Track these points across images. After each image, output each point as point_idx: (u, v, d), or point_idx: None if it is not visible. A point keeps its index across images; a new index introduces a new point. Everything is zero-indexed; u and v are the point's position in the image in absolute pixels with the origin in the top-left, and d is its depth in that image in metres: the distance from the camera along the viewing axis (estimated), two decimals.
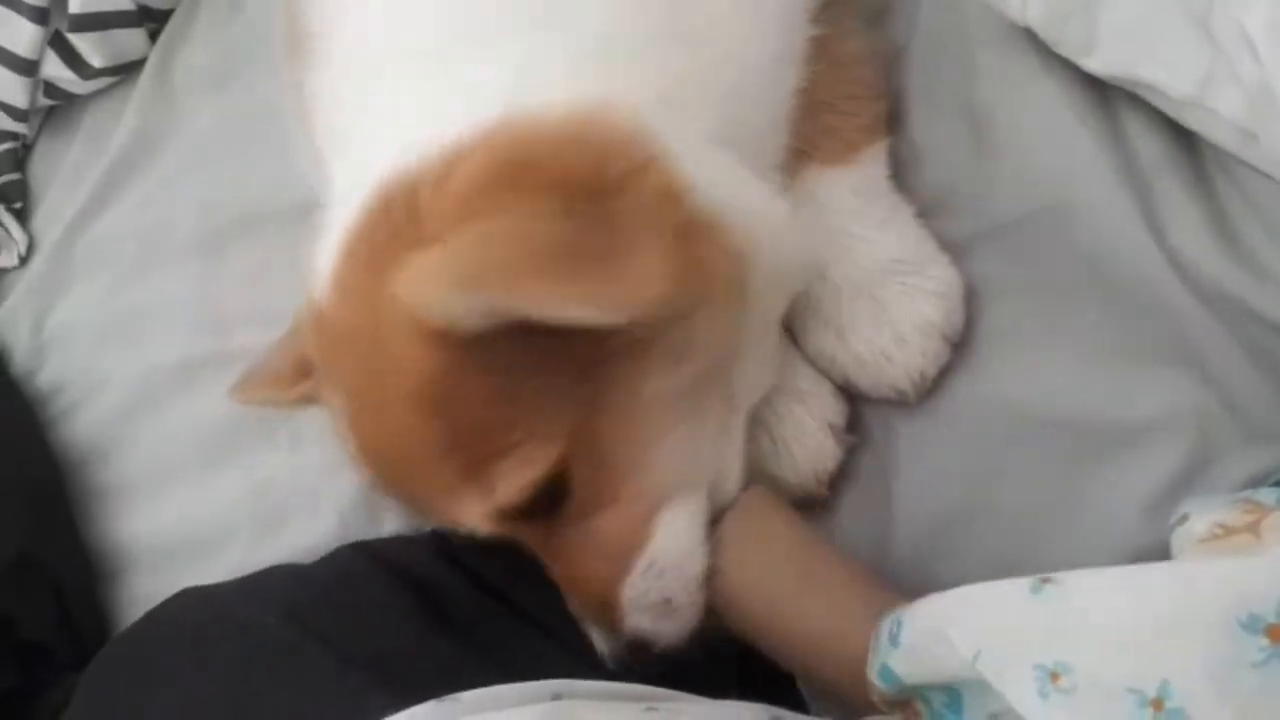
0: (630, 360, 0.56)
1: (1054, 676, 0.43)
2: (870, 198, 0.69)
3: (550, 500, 0.59)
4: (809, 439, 0.68)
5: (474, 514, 0.59)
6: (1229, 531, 0.50)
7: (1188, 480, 0.61)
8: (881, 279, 0.68)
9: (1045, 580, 0.46)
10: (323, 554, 0.80)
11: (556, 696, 0.57)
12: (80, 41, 1.01)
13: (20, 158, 1.09)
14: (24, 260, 1.05)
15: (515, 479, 0.57)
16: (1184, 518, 0.53)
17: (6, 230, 1.05)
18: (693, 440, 0.61)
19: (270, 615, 0.74)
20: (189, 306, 0.95)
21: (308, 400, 0.68)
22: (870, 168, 0.70)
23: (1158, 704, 0.40)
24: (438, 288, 0.52)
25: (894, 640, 0.52)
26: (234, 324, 0.92)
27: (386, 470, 0.63)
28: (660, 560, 0.61)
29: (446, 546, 0.76)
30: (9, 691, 0.85)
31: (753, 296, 0.59)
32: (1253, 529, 0.49)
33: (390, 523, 0.82)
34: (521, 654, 0.68)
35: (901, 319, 0.66)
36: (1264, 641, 0.38)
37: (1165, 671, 0.40)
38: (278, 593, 0.77)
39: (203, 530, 0.90)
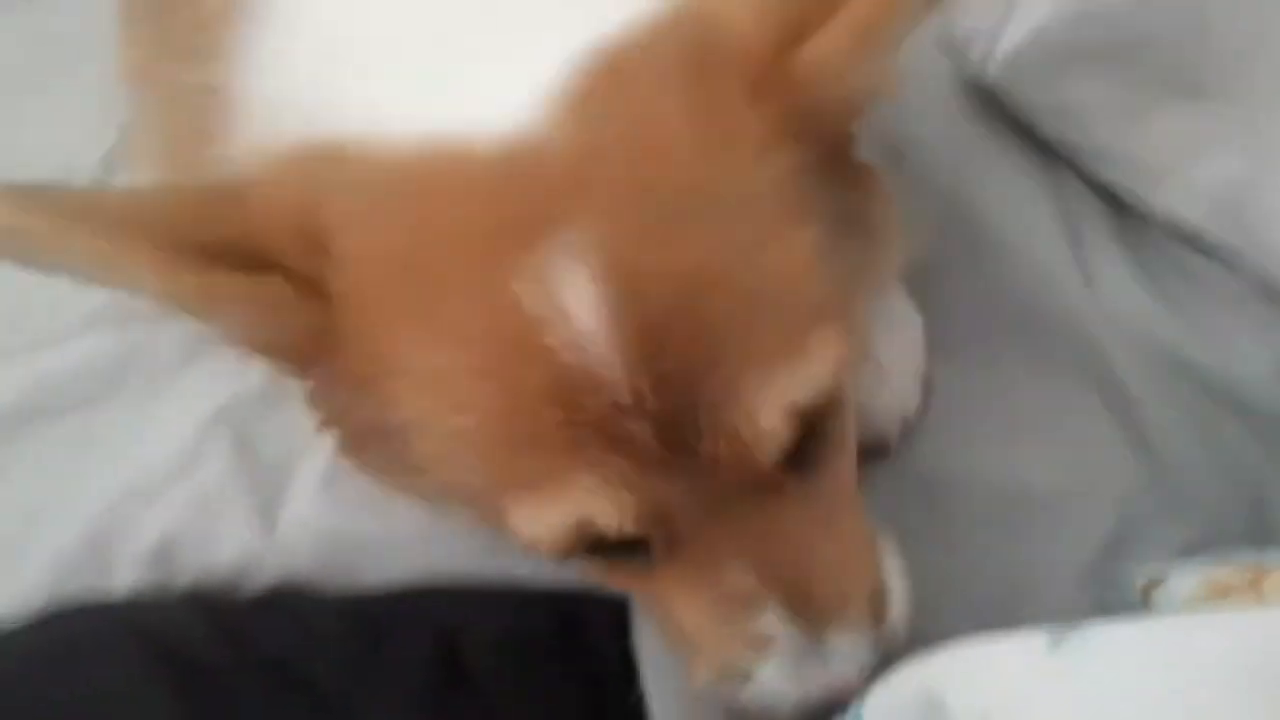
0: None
1: None
2: None
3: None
4: (899, 381, 0.60)
5: (774, 410, 0.42)
6: (1227, 590, 0.44)
7: (1117, 549, 0.56)
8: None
9: (1065, 634, 0.38)
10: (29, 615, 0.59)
11: None
12: None
13: None
14: None
15: (830, 351, 0.43)
16: (1156, 582, 0.48)
17: None
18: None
19: None
20: None
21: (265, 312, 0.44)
22: None
23: None
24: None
25: (877, 707, 0.42)
26: None
27: (653, 355, 0.41)
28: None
29: (212, 608, 0.58)
30: None
31: None
32: (1254, 587, 0.43)
33: (125, 576, 0.62)
34: None
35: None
36: None
37: None
38: None
39: None
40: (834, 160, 0.46)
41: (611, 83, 0.41)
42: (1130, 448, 0.59)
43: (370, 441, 0.49)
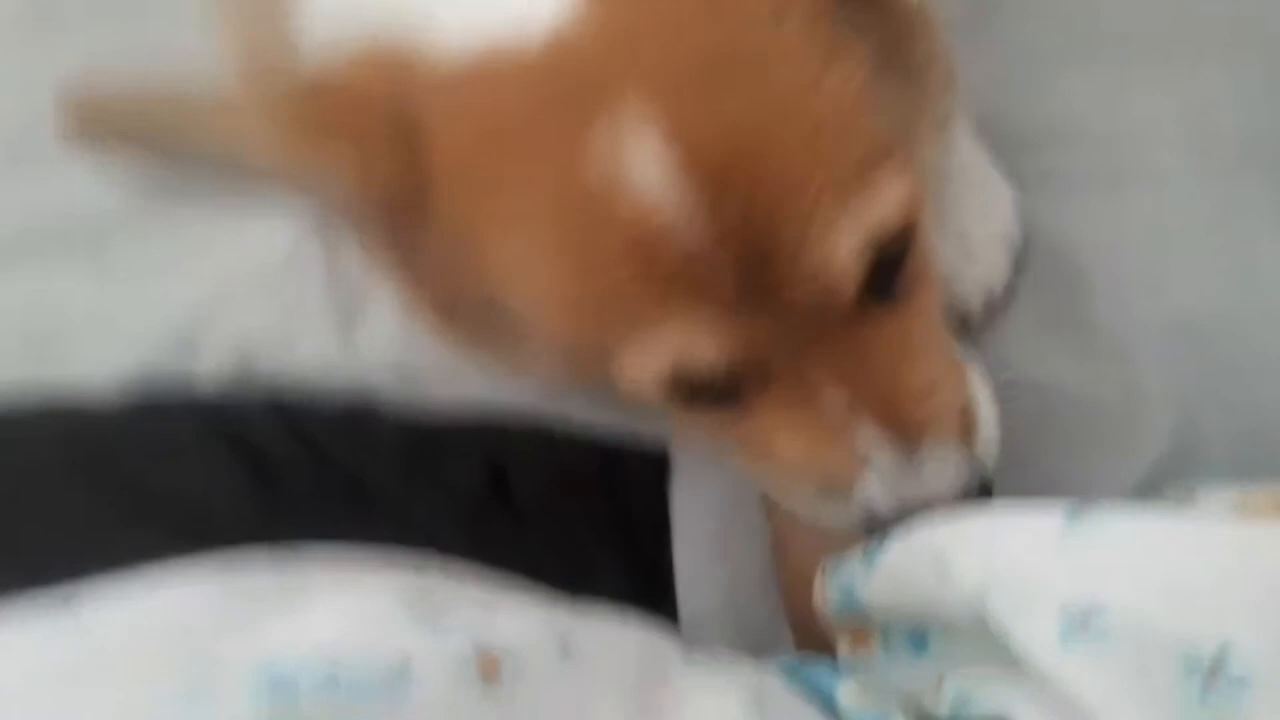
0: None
1: (1084, 620, 0.35)
2: None
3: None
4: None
5: (847, 244, 0.43)
6: (1257, 510, 0.44)
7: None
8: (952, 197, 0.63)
9: (1078, 515, 0.38)
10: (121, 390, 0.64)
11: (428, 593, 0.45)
12: None
13: None
14: None
15: (895, 184, 0.44)
16: (1185, 498, 0.47)
17: None
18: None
19: (44, 443, 0.58)
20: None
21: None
22: None
23: (1212, 672, 0.32)
24: None
25: (869, 559, 0.43)
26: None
27: (722, 203, 0.43)
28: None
29: (290, 414, 0.62)
30: None
31: None
32: None
33: (208, 364, 0.67)
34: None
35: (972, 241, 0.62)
36: None
37: (1227, 632, 0.32)
38: (57, 421, 0.60)
39: None
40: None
41: None
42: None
43: (460, 313, 0.52)
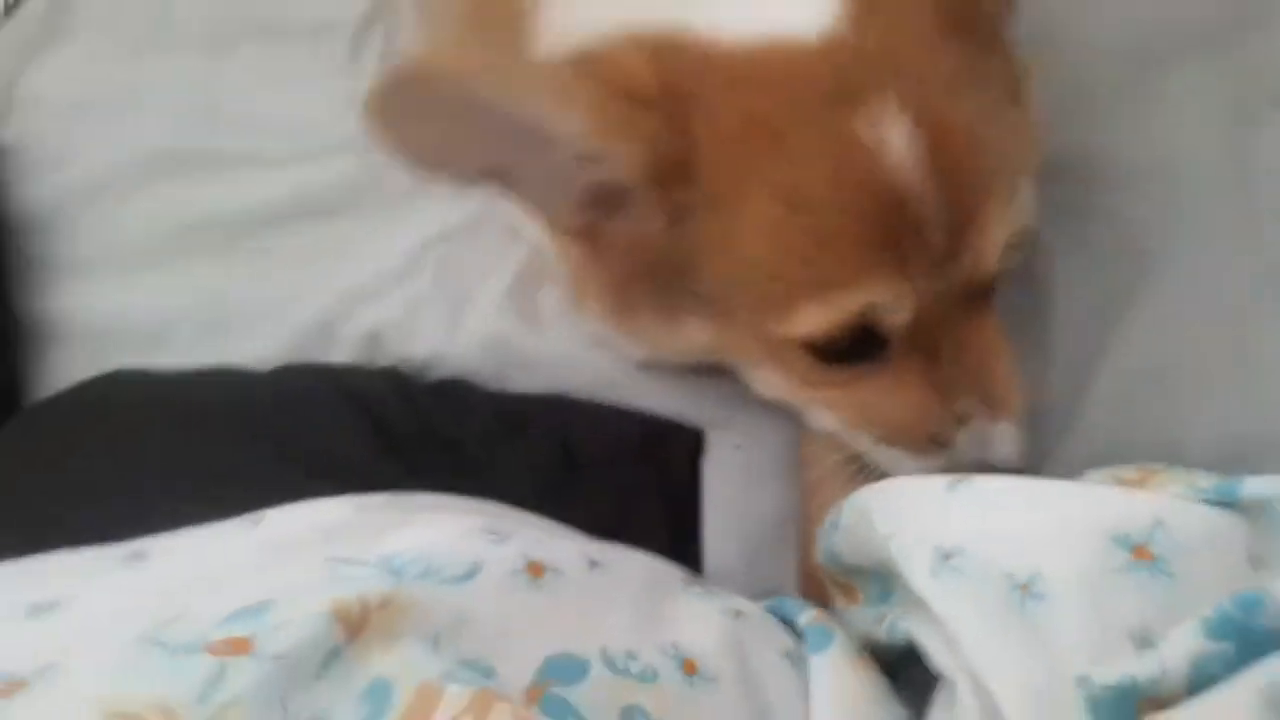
0: None
1: (947, 557, 0.48)
2: None
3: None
4: None
5: (1003, 233, 0.59)
6: (1120, 480, 0.55)
7: None
8: None
9: (961, 479, 0.52)
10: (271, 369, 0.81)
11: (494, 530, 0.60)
12: None
13: None
14: (9, 10, 1.01)
15: (1030, 197, 0.61)
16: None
17: None
18: None
19: (211, 402, 0.75)
20: (179, 96, 0.93)
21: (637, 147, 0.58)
22: None
23: (1025, 588, 0.45)
24: None
25: (834, 523, 0.57)
26: (223, 124, 0.91)
27: (947, 184, 0.57)
28: None
29: (403, 384, 0.78)
30: None
31: None
32: (1141, 483, 0.54)
33: (341, 354, 0.83)
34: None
35: None
36: (1128, 556, 0.44)
37: (1039, 563, 0.45)
38: (220, 384, 0.77)
39: (141, 321, 0.89)
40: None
41: None
42: None
43: (654, 276, 0.63)
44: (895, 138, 0.56)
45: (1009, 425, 0.62)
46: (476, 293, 0.83)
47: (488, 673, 0.44)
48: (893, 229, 0.56)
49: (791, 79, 0.57)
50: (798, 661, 0.54)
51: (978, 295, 0.61)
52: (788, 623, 0.59)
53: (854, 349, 0.61)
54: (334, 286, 0.86)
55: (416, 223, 0.87)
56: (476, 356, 0.81)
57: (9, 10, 1.01)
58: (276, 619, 0.42)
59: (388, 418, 0.74)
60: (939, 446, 0.63)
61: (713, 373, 0.72)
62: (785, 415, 0.72)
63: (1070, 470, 0.59)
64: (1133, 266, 0.72)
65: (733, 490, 0.75)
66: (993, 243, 0.59)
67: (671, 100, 0.57)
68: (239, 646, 0.40)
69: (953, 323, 0.60)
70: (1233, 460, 0.63)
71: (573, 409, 0.77)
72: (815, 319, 0.59)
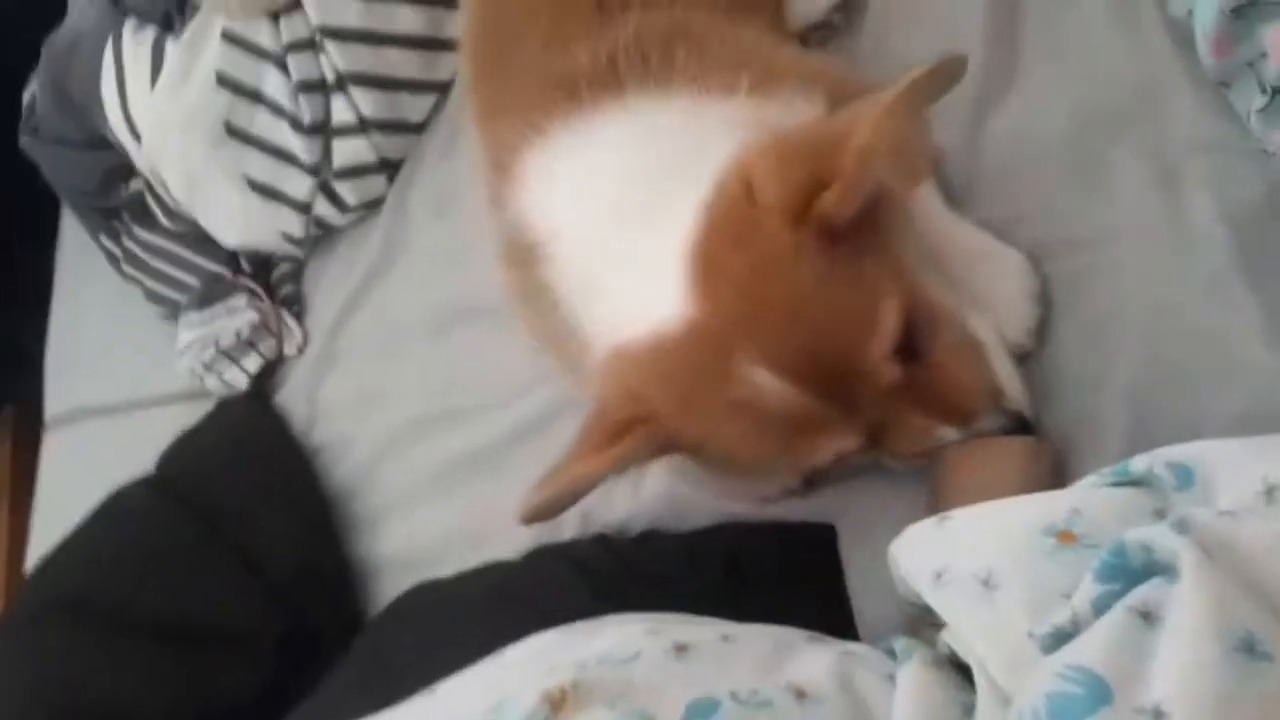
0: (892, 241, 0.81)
1: (938, 575, 0.66)
2: (925, 224, 0.90)
3: (910, 348, 0.79)
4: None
5: (877, 357, 0.77)
6: None
7: None
8: (964, 276, 0.87)
9: (944, 517, 0.70)
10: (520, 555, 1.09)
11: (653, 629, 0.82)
12: (340, 187, 1.35)
13: (298, 273, 1.46)
14: (301, 350, 1.41)
15: (892, 320, 0.77)
16: None
17: (290, 328, 1.41)
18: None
19: (477, 592, 1.04)
20: (419, 378, 1.27)
21: (630, 459, 0.85)
22: (918, 204, 0.90)
23: (984, 580, 0.63)
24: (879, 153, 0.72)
25: (891, 565, 0.76)
26: (454, 389, 1.23)
27: (823, 377, 0.77)
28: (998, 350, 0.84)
29: (609, 543, 1.04)
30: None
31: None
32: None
33: (568, 532, 1.10)
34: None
35: (996, 299, 0.87)
36: (1054, 541, 0.61)
37: (992, 560, 0.62)
38: (487, 576, 1.06)
39: (433, 545, 1.20)
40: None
41: (710, 263, 0.79)
42: None
43: (713, 463, 0.89)
44: (763, 378, 0.77)
45: (986, 418, 0.81)
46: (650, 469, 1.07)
47: (649, 718, 0.67)
48: (798, 415, 0.78)
49: (676, 367, 0.79)
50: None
51: (908, 372, 0.78)
52: (891, 653, 0.77)
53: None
54: None
55: None
56: (659, 509, 1.05)
57: (301, 351, 1.41)
58: (507, 710, 0.67)
59: (600, 572, 0.99)
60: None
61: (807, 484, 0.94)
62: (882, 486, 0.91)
63: None
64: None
65: (871, 559, 0.93)
66: (879, 373, 0.77)
67: (639, 415, 0.83)
68: None
69: (902, 394, 0.79)
70: None
71: (735, 530, 1.00)
72: (801, 466, 0.86)
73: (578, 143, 0.92)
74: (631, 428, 0.83)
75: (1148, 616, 0.54)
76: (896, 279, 0.79)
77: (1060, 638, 0.58)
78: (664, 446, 0.86)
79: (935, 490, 0.86)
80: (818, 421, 0.80)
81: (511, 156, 0.97)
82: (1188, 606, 0.52)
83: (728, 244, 0.77)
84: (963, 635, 0.63)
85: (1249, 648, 0.50)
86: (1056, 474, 0.82)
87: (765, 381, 0.77)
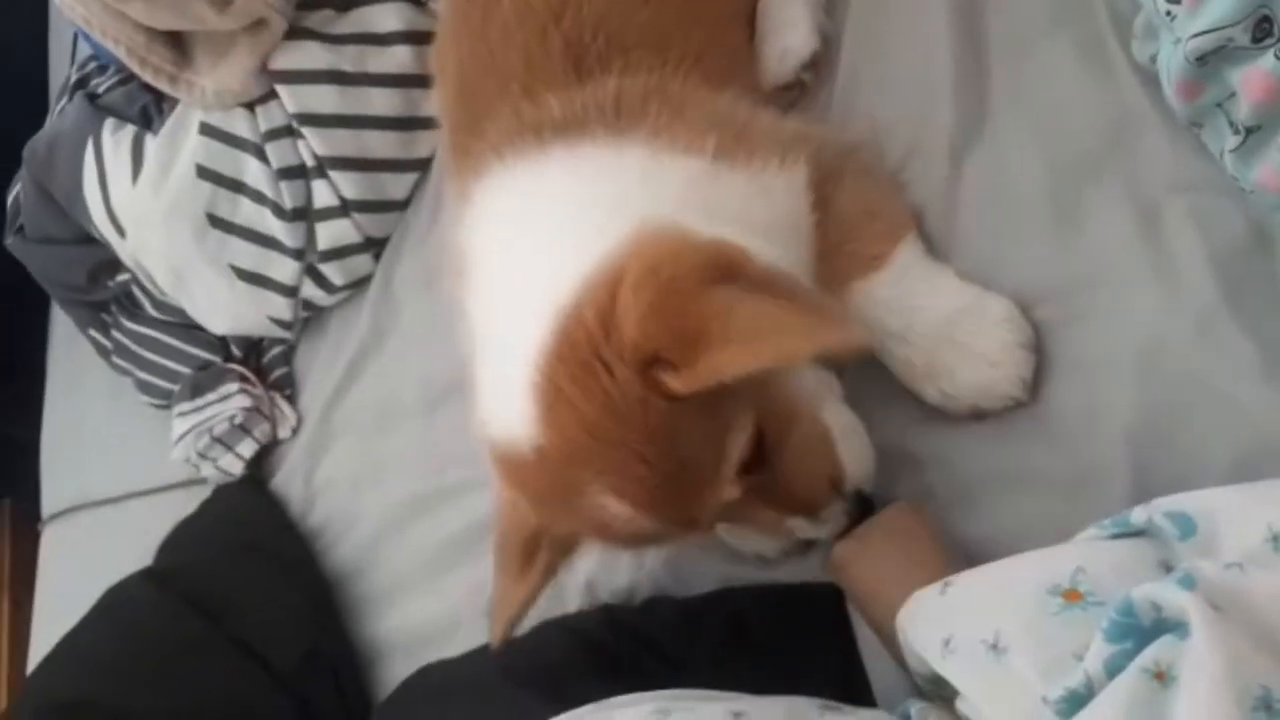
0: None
1: (946, 643, 0.66)
2: (910, 280, 0.89)
3: (758, 456, 0.81)
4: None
5: (726, 480, 0.80)
6: None
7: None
8: (951, 329, 0.87)
9: (947, 583, 0.69)
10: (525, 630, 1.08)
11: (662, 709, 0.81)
12: (326, 269, 1.36)
13: (289, 356, 1.46)
14: (295, 432, 1.41)
15: (739, 440, 0.79)
16: None
17: (283, 411, 1.41)
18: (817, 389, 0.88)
19: (484, 674, 1.02)
20: (414, 455, 1.27)
21: (552, 570, 0.91)
22: (901, 260, 0.89)
23: (992, 645, 0.62)
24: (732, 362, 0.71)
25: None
26: (451, 464, 1.23)
27: (669, 499, 0.79)
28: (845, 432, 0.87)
29: (613, 613, 1.03)
30: None
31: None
32: None
33: (573, 603, 1.09)
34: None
35: (985, 349, 0.86)
36: (1060, 600, 0.60)
37: (999, 624, 0.62)
38: (489, 658, 1.05)
39: (437, 623, 1.19)
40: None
41: (558, 395, 0.77)
42: None
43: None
44: (608, 503, 0.79)
45: (826, 510, 0.85)
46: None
47: None
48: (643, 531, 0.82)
49: (532, 474, 0.82)
50: None
51: (759, 482, 0.82)
52: (907, 718, 0.76)
53: None
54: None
55: None
56: (662, 575, 1.05)
57: (295, 432, 1.40)
58: None
59: (605, 644, 0.98)
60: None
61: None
62: None
63: None
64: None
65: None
66: (727, 489, 0.80)
67: (537, 530, 0.89)
68: None
69: (757, 499, 0.83)
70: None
71: (738, 593, 0.99)
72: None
73: (517, 177, 0.91)
74: (537, 543, 0.89)
75: (1161, 677, 0.53)
76: (748, 405, 0.79)
77: (1075, 701, 0.57)
78: (571, 543, 0.91)
79: (851, 596, 0.89)
80: (667, 532, 0.84)
81: (473, 182, 0.97)
82: (1202, 667, 0.51)
83: (577, 375, 0.76)
84: (975, 703, 0.62)
85: (1267, 705, 0.50)
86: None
87: (613, 506, 0.80)
